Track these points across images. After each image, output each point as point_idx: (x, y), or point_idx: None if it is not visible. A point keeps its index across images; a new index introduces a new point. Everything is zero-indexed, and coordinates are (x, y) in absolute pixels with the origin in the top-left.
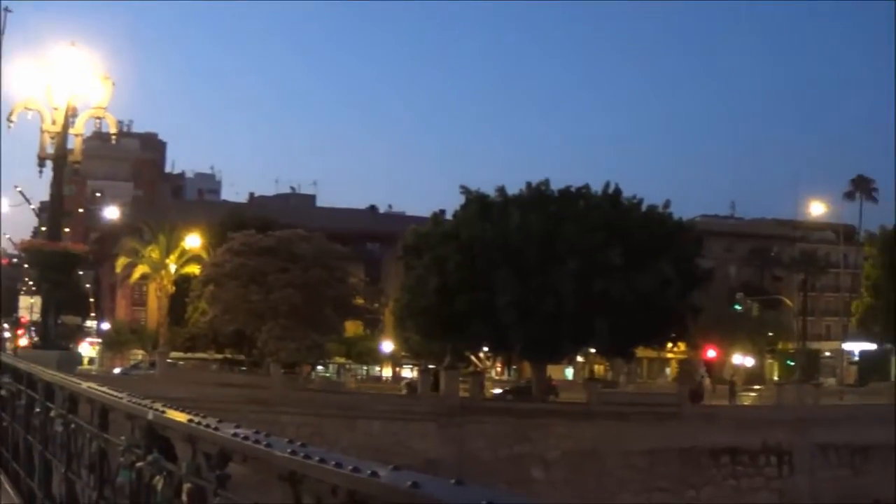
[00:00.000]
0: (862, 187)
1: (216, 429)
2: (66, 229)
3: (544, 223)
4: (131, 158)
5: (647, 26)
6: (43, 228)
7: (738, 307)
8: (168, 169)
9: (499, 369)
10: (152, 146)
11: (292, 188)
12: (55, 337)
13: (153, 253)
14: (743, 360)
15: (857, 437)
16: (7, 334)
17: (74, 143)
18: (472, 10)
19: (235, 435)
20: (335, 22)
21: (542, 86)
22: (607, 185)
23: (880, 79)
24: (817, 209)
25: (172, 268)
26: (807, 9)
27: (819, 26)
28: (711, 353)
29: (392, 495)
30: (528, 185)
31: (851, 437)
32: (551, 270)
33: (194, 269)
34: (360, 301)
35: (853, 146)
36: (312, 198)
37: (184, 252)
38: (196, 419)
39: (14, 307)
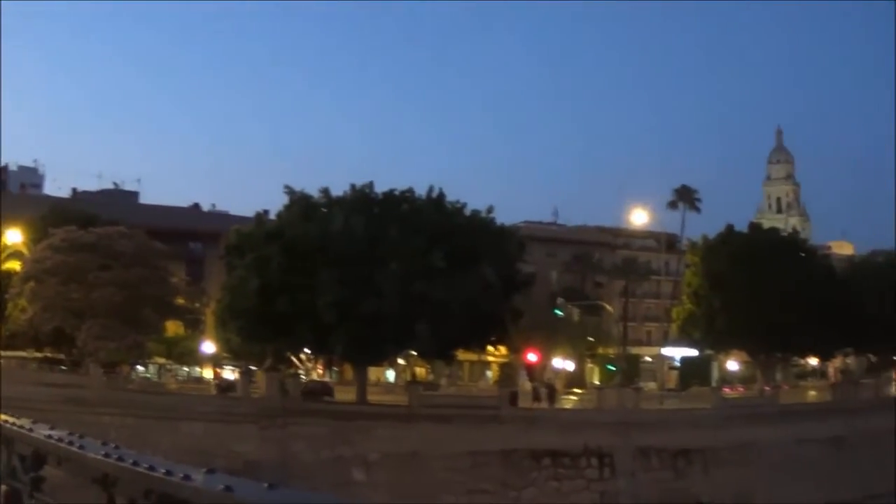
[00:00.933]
0: (685, 197)
1: (30, 430)
2: None
3: (367, 225)
4: None
5: (463, 27)
6: None
7: (559, 312)
8: None
9: (320, 371)
10: None
11: (115, 184)
12: None
13: None
14: (563, 364)
15: (678, 440)
16: None
17: None
18: (296, 9)
19: (49, 437)
20: (159, 15)
21: (370, 90)
22: (431, 189)
23: (707, 90)
24: (639, 217)
25: None
26: (611, 15)
27: (645, 33)
28: (532, 357)
29: (205, 498)
30: (353, 187)
31: (673, 440)
32: (374, 272)
33: (15, 266)
34: (181, 301)
35: (678, 157)
36: (136, 194)
37: (4, 247)
38: (10, 420)
39: None
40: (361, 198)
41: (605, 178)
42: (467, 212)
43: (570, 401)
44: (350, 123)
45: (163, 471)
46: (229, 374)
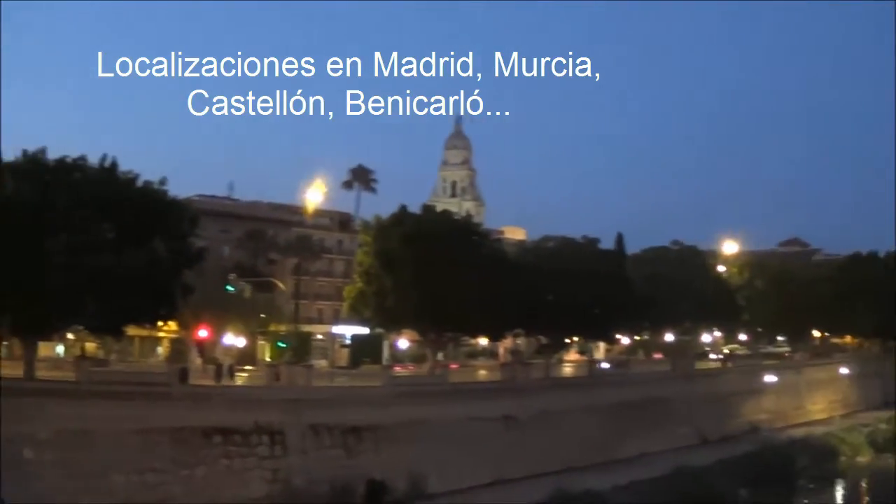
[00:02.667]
0: (361, 177)
1: None
2: None
3: (37, 193)
4: None
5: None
6: None
7: (230, 288)
8: None
9: None
10: None
11: None
12: None
13: None
14: (235, 340)
15: (349, 417)
16: None
17: None
18: None
19: None
20: None
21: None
22: (104, 157)
23: (388, 74)
24: (314, 195)
25: None
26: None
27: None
28: (203, 333)
29: None
30: (24, 152)
31: (344, 417)
32: (41, 243)
33: None
34: None
35: (358, 138)
36: None
37: None
38: None
39: None
40: (32, 163)
41: (282, 154)
42: (140, 183)
43: (240, 378)
44: (30, 87)
45: None
46: None
